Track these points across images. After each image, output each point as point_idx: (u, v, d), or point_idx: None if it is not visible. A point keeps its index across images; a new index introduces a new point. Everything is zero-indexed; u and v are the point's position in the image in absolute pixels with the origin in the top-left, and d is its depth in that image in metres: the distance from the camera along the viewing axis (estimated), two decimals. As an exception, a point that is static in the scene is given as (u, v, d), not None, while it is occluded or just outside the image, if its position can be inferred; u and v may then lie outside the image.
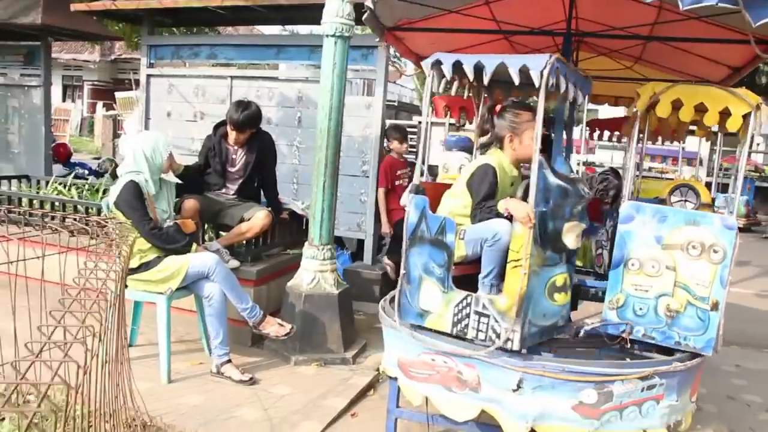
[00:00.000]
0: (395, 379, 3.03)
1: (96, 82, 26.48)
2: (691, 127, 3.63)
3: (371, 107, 5.82)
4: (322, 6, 4.12)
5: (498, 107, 3.09)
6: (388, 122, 6.64)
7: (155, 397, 3.31)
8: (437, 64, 2.75)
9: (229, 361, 3.72)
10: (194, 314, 4.17)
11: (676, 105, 2.83)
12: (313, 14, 4.90)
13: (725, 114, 2.76)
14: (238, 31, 15.72)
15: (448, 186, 3.28)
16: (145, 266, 3.60)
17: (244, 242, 4.39)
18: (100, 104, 21.54)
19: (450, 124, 6.34)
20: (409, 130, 7.78)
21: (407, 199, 2.94)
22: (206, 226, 4.56)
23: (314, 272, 4.23)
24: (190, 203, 4.02)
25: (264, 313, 3.80)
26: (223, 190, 4.41)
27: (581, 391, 2.55)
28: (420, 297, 2.82)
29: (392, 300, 3.27)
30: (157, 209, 3.71)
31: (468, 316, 2.68)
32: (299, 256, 4.47)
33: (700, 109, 2.79)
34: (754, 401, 4.12)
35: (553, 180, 2.66)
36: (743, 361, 4.87)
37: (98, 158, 14.29)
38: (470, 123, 6.23)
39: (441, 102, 5.85)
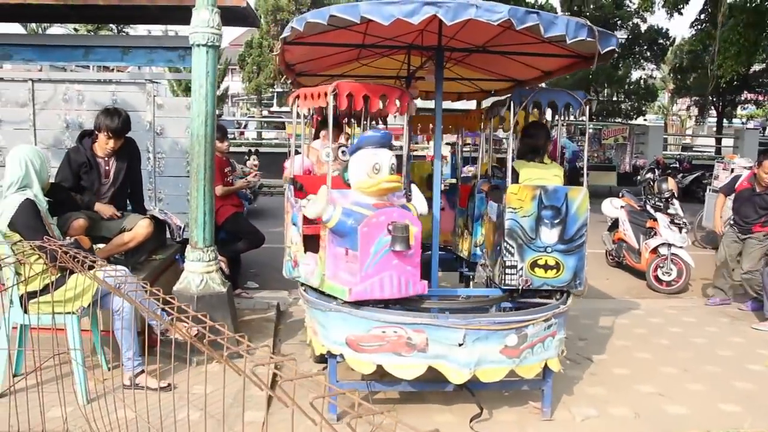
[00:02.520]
0: (336, 357, 3.47)
1: None
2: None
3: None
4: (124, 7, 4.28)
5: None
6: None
7: (84, 419, 3.24)
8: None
9: (143, 371, 3.73)
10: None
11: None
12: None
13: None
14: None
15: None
16: (48, 288, 3.43)
17: (123, 253, 4.30)
18: None
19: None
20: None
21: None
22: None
23: (201, 274, 4.35)
24: (80, 222, 3.84)
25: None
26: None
27: (506, 337, 3.25)
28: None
29: (306, 289, 3.71)
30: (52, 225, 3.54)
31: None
32: (167, 260, 4.51)
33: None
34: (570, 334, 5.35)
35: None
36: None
37: None
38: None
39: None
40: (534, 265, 3.74)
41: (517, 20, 3.14)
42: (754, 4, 12.95)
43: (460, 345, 3.20)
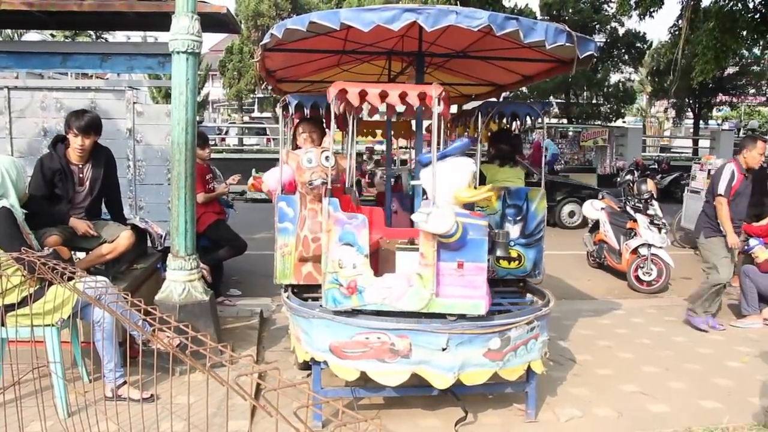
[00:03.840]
0: (320, 364, 3.46)
1: None
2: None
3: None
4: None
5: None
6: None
7: (65, 433, 3.20)
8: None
9: (125, 382, 3.69)
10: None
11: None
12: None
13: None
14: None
15: None
16: (27, 300, 3.38)
17: (104, 263, 4.25)
18: None
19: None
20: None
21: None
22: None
23: (184, 282, 4.31)
24: (53, 239, 3.78)
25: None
26: (71, 213, 4.20)
27: (490, 340, 3.26)
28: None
29: (289, 296, 3.70)
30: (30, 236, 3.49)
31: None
32: (148, 270, 4.47)
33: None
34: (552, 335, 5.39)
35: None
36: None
37: None
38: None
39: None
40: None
41: (497, 26, 3.17)
42: (726, 9, 13.19)
43: (443, 349, 3.21)
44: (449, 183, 3.21)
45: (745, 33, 13.42)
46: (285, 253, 3.91)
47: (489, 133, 4.82)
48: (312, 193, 3.67)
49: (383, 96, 3.22)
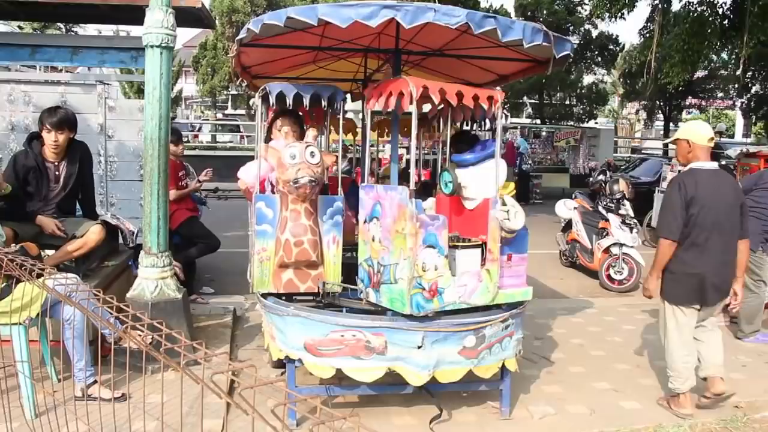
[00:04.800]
0: (294, 362, 3.43)
1: None
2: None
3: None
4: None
5: None
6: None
7: (33, 434, 3.12)
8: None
9: (96, 382, 3.62)
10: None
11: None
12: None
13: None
14: None
15: None
16: (-8, 298, 3.29)
17: (74, 260, 4.17)
18: None
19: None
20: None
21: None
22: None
23: (156, 280, 4.25)
24: (7, 231, 3.70)
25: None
26: (42, 210, 4.10)
27: (465, 338, 3.27)
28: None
29: (264, 295, 3.66)
30: (-4, 231, 3.40)
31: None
32: (120, 267, 4.40)
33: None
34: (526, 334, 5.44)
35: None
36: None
37: None
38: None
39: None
40: None
41: (475, 24, 3.18)
42: (695, 14, 13.47)
43: (418, 347, 3.21)
44: (496, 181, 3.49)
45: (713, 38, 13.71)
46: (263, 258, 3.62)
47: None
48: (296, 192, 3.46)
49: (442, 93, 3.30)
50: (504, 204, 3.41)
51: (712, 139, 3.85)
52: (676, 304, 3.86)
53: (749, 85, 27.57)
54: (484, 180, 3.53)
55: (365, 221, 3.52)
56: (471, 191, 3.60)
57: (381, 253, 3.33)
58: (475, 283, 3.40)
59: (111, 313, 3.84)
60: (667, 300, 3.91)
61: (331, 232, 3.71)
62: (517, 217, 3.42)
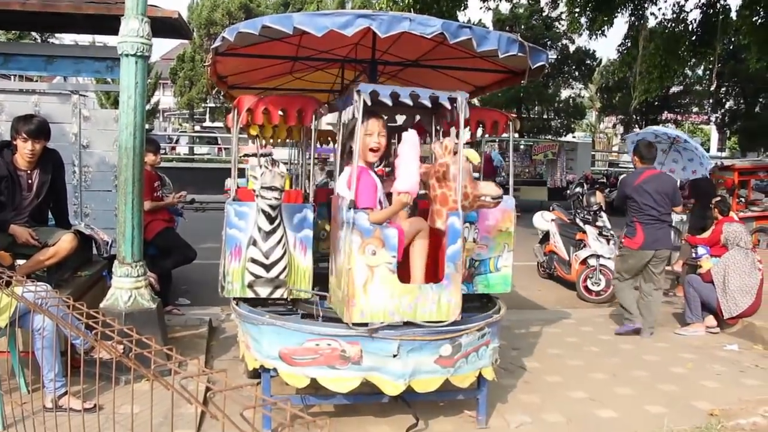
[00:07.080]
0: (269, 371, 3.39)
1: None
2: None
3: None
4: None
5: None
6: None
7: (0, 446, 3.06)
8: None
9: (66, 392, 3.55)
10: None
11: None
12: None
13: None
14: None
15: None
16: (-40, 306, 3.22)
17: (46, 269, 4.09)
18: None
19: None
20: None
21: None
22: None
23: (130, 290, 4.18)
24: None
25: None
26: (15, 219, 4.03)
27: (441, 347, 3.26)
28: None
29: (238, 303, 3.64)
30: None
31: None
32: (93, 277, 4.33)
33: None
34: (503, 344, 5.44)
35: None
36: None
37: None
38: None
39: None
40: None
41: (451, 34, 3.20)
42: (669, 31, 13.76)
43: (394, 356, 3.19)
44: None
45: (686, 54, 14.01)
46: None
47: None
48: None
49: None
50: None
51: None
52: None
53: (723, 100, 28.19)
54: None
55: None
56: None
57: None
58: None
59: (80, 320, 3.80)
60: None
61: (300, 240, 3.71)
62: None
